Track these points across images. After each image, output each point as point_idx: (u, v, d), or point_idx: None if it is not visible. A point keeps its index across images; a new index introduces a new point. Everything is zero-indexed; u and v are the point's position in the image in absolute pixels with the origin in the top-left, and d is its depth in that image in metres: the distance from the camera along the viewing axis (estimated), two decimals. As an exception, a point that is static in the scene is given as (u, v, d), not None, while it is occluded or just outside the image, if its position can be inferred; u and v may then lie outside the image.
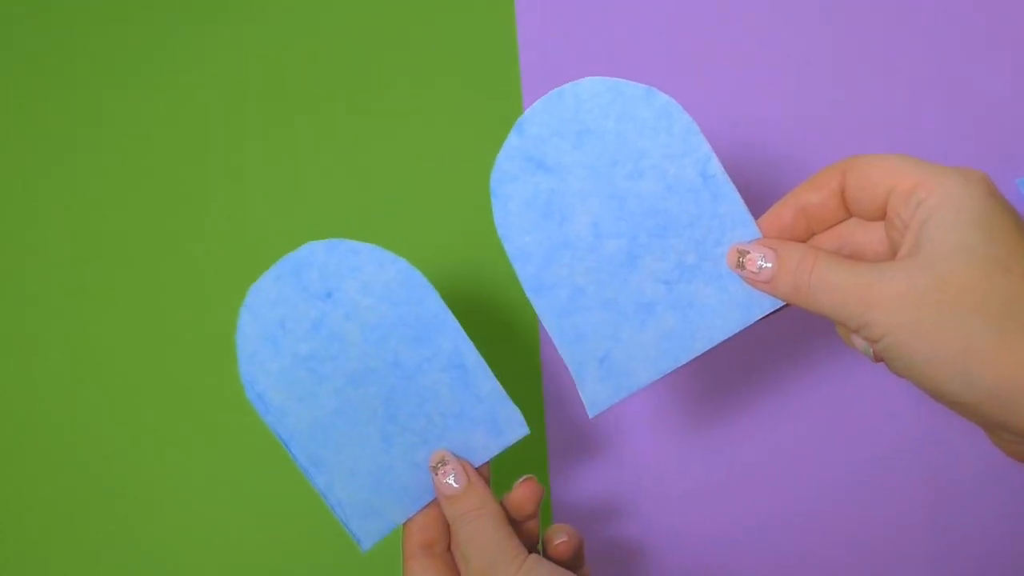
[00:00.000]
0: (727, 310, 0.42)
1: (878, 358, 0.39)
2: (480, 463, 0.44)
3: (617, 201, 0.42)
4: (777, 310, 0.42)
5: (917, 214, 0.36)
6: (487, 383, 0.44)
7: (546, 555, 0.44)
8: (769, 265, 0.40)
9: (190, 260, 0.58)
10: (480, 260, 0.57)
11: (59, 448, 0.57)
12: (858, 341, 0.39)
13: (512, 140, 0.43)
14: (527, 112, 0.42)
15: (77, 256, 0.58)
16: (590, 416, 0.43)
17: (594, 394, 0.43)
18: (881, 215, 0.39)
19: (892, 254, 0.40)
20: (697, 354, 0.42)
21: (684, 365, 0.43)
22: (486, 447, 0.44)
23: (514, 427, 0.44)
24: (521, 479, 0.44)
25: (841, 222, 0.41)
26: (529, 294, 0.43)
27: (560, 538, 0.44)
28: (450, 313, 0.44)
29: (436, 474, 0.43)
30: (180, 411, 0.57)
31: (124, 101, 0.59)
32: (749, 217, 0.41)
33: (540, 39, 0.59)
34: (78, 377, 0.57)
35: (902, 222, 0.37)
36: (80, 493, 0.56)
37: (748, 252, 0.40)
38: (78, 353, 0.57)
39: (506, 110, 0.59)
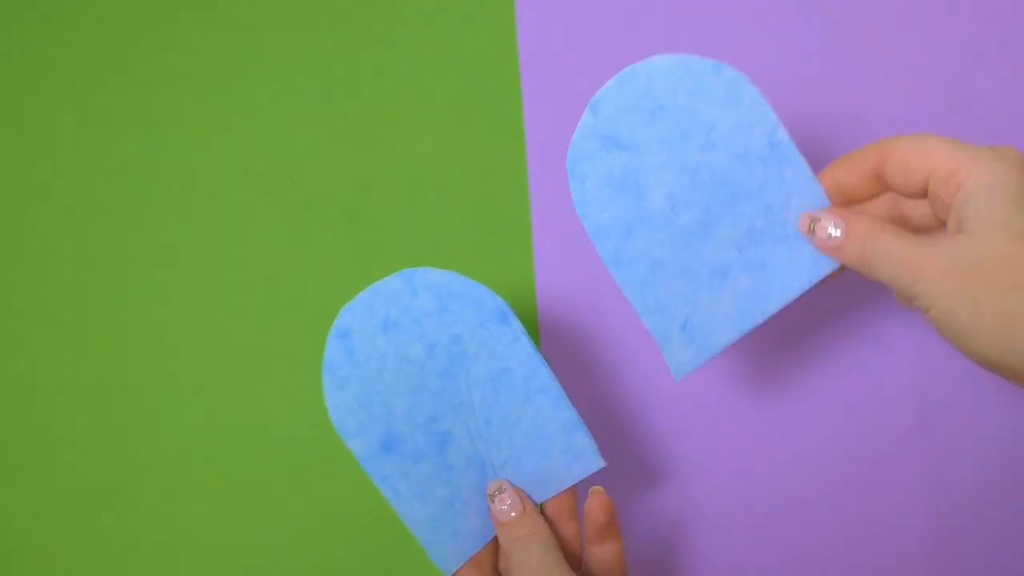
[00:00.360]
0: (796, 268, 0.44)
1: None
2: (554, 494, 0.46)
3: (690, 173, 0.44)
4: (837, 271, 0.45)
5: (958, 196, 0.39)
6: (565, 413, 0.45)
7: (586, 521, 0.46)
8: (838, 233, 0.42)
9: (193, 263, 0.57)
10: (479, 256, 0.58)
11: (60, 448, 0.56)
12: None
13: (587, 119, 0.44)
14: (600, 92, 0.44)
15: (80, 256, 0.57)
16: (676, 380, 0.45)
17: (679, 359, 0.45)
18: (922, 195, 0.42)
19: (936, 221, 0.43)
20: (772, 312, 0.45)
21: (760, 326, 0.45)
22: (560, 479, 0.45)
23: (589, 459, 0.45)
24: (589, 492, 0.45)
25: (878, 195, 0.45)
26: (609, 268, 0.45)
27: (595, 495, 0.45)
28: (532, 345, 0.45)
29: (493, 502, 0.45)
30: (184, 410, 0.56)
31: (126, 103, 0.58)
32: (815, 181, 0.44)
33: (540, 37, 0.60)
34: (83, 376, 0.56)
35: (943, 203, 0.41)
36: (82, 493, 0.56)
37: (819, 219, 0.43)
38: (82, 352, 0.57)
39: (505, 108, 0.59)
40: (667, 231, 0.45)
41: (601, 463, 0.45)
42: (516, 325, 0.44)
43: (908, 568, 0.57)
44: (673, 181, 0.44)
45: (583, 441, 0.45)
